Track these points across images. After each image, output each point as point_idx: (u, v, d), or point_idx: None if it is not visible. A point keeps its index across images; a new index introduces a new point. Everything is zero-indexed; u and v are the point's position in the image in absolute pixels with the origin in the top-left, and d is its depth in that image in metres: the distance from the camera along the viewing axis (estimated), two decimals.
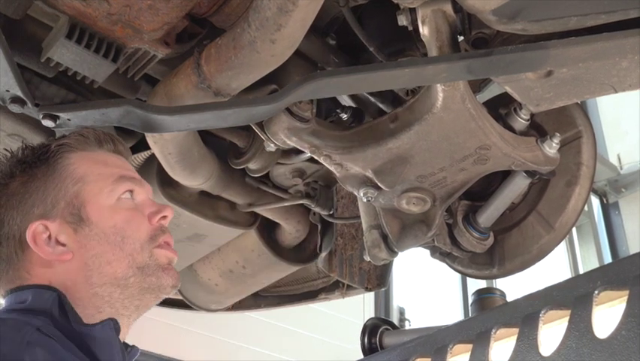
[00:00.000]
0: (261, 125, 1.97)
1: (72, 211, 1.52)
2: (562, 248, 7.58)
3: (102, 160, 1.61)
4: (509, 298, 2.18)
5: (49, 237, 1.49)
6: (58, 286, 1.46)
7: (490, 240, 2.22)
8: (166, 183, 2.44)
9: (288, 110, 1.88)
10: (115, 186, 1.56)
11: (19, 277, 1.50)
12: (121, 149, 1.69)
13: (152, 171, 2.43)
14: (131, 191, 1.58)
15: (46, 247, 1.48)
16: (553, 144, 1.98)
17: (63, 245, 1.49)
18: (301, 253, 2.97)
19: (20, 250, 1.51)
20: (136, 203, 1.59)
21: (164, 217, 1.61)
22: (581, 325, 1.63)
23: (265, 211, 2.74)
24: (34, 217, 1.51)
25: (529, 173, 2.03)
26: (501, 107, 2.03)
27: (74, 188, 1.54)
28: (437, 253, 2.32)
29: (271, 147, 2.03)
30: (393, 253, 2.21)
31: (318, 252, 2.83)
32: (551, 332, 1.73)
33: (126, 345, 1.55)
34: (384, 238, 2.20)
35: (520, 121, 1.99)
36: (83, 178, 1.55)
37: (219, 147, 2.41)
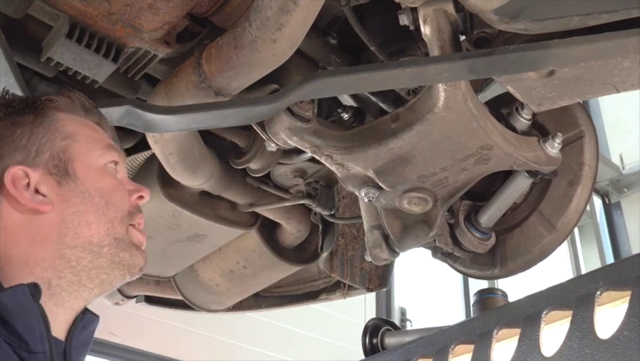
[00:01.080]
0: (261, 125, 1.97)
1: (57, 164, 1.44)
2: (564, 248, 7.57)
3: (90, 126, 1.55)
4: (511, 299, 2.18)
5: (28, 184, 1.40)
6: (24, 240, 1.36)
7: (492, 240, 2.22)
8: (167, 183, 2.43)
9: (289, 109, 1.87)
10: (104, 152, 1.51)
11: None
12: (103, 122, 1.61)
13: (153, 171, 2.42)
14: (115, 163, 1.53)
15: (25, 192, 1.39)
16: (556, 144, 1.97)
17: (43, 195, 1.40)
18: (302, 254, 2.96)
19: None
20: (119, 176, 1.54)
21: (141, 197, 1.54)
22: (583, 325, 1.63)
23: (266, 211, 2.74)
24: (15, 162, 1.42)
25: (531, 173, 2.03)
26: (503, 107, 2.02)
27: (62, 143, 1.47)
28: (439, 253, 2.31)
29: (272, 147, 2.02)
30: (394, 254, 2.21)
31: (319, 252, 2.83)
32: (553, 332, 1.72)
33: (84, 312, 1.43)
34: (386, 238, 2.19)
35: (522, 121, 1.98)
36: (72, 135, 1.49)
37: (220, 146, 2.40)
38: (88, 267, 1.39)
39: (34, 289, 1.29)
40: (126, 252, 1.44)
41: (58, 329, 1.37)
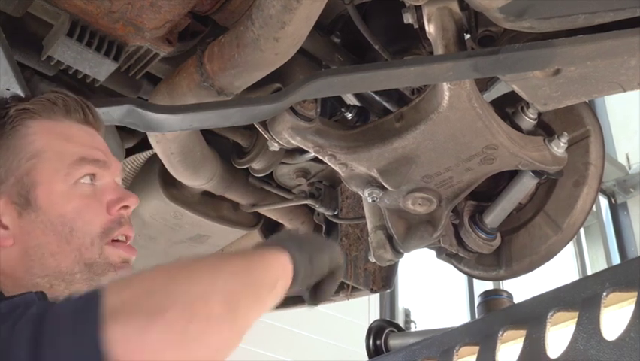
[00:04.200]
0: (264, 124, 1.96)
1: (19, 191, 1.33)
2: (569, 249, 7.55)
3: (65, 134, 1.41)
4: (516, 300, 2.17)
5: None
6: None
7: (497, 241, 2.21)
8: (168, 183, 2.43)
9: (292, 109, 1.87)
10: (72, 170, 1.36)
11: None
12: (91, 119, 1.46)
13: (154, 171, 2.42)
14: (91, 175, 1.38)
15: None
16: (561, 144, 1.96)
17: (5, 228, 1.31)
18: None
19: None
20: (97, 188, 1.39)
21: (126, 207, 1.41)
22: (589, 327, 1.61)
23: (269, 212, 2.73)
24: None
25: (537, 173, 2.02)
26: (508, 106, 2.02)
27: (27, 164, 1.35)
28: (443, 254, 2.31)
29: (275, 147, 2.02)
30: (398, 254, 2.20)
31: None
32: (559, 333, 1.71)
33: None
34: (390, 238, 2.19)
35: (528, 120, 1.97)
36: (38, 154, 1.36)
37: (222, 146, 2.40)
38: (64, 293, 1.30)
39: (42, 297, 1.22)
40: (102, 275, 1.34)
41: None
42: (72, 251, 1.32)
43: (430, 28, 1.75)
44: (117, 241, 1.38)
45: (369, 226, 2.27)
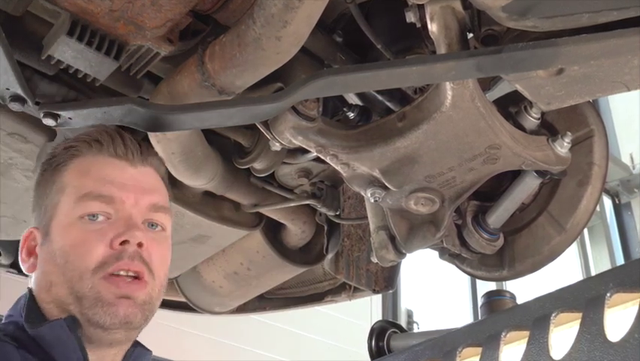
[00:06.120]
0: (266, 124, 1.96)
1: (45, 222, 1.48)
2: (573, 249, 7.57)
3: (87, 169, 1.49)
4: (520, 301, 2.16)
5: (34, 245, 1.49)
6: (33, 290, 1.46)
7: (500, 241, 2.20)
8: (169, 184, 2.42)
9: (294, 108, 1.86)
10: (76, 205, 1.45)
11: None
12: (121, 152, 1.52)
13: None
14: (92, 214, 1.44)
15: (22, 253, 1.50)
16: (565, 143, 1.96)
17: (35, 256, 1.48)
18: (307, 255, 2.95)
19: None
20: (105, 222, 1.44)
21: (126, 241, 1.43)
22: (592, 328, 1.61)
23: (270, 212, 2.73)
24: (34, 222, 1.52)
25: (540, 173, 2.01)
26: (511, 106, 2.01)
27: (55, 198, 1.48)
28: (446, 254, 2.30)
29: (276, 147, 2.02)
30: (401, 255, 2.20)
31: (324, 253, 2.81)
32: (562, 335, 1.71)
33: (135, 345, 1.48)
34: (392, 239, 2.18)
35: (531, 120, 1.97)
36: (63, 189, 1.48)
37: (223, 146, 2.39)
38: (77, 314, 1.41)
39: (72, 322, 1.36)
40: (89, 310, 1.38)
41: None
42: (65, 282, 1.41)
43: (432, 27, 1.74)
44: (117, 276, 1.41)
45: (372, 227, 2.27)
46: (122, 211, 1.46)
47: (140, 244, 1.43)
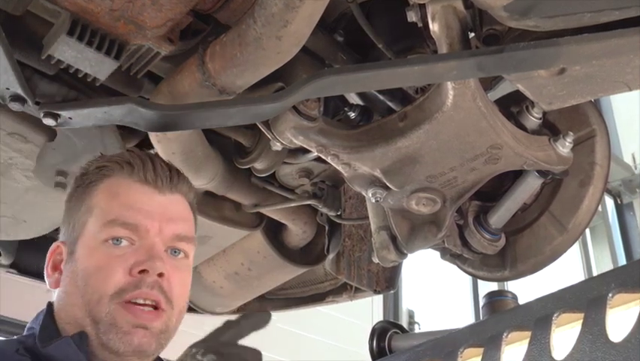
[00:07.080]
0: (267, 123, 1.95)
1: (72, 241, 1.48)
2: (575, 250, 7.56)
3: (116, 192, 1.49)
4: (521, 301, 2.16)
5: (61, 260, 1.49)
6: (54, 307, 1.48)
7: (502, 241, 2.20)
8: None
9: (295, 108, 1.86)
10: (102, 229, 1.44)
11: None
12: (150, 179, 1.50)
13: None
14: (116, 238, 1.43)
15: (50, 268, 1.51)
16: (567, 143, 1.95)
17: (60, 272, 1.49)
18: (308, 255, 2.95)
19: None
20: (129, 248, 1.44)
21: (145, 271, 1.42)
22: (594, 328, 1.61)
23: (271, 212, 2.73)
24: (61, 236, 1.53)
25: (542, 173, 2.01)
26: (513, 106, 2.01)
27: (84, 217, 1.48)
28: (447, 254, 2.30)
29: (277, 146, 2.02)
30: (402, 255, 2.20)
31: (325, 253, 2.81)
32: (564, 335, 1.71)
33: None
34: (393, 239, 2.18)
35: (533, 120, 1.96)
36: (91, 209, 1.48)
37: (224, 146, 2.39)
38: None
39: (79, 339, 1.37)
40: (104, 336, 1.39)
41: None
42: (84, 305, 1.41)
43: (434, 27, 1.74)
44: (135, 304, 1.41)
45: (373, 227, 2.27)
46: (146, 239, 1.45)
47: (160, 275, 1.43)
